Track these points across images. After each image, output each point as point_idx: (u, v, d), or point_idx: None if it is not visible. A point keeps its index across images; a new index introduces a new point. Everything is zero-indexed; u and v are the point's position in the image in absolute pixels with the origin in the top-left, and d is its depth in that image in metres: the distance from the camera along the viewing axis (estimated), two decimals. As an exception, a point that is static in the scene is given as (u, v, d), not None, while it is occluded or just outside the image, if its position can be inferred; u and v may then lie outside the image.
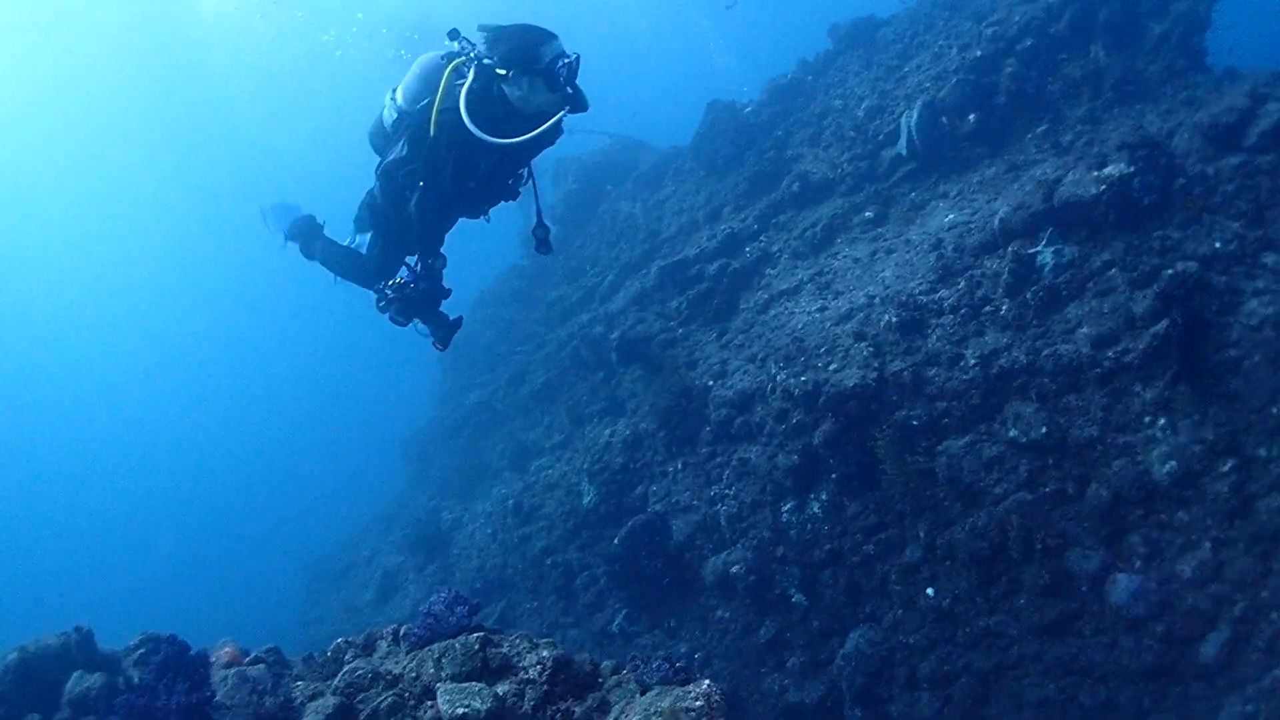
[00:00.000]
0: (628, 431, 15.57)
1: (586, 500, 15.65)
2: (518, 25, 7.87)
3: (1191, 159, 11.38)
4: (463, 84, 7.81)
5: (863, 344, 12.02)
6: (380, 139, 8.99)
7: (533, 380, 20.90)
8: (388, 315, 8.70)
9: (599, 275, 20.72)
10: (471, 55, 8.02)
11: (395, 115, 8.68)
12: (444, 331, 8.86)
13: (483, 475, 21.22)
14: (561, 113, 7.72)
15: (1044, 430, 10.11)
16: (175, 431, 62.26)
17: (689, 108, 21.68)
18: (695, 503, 13.77)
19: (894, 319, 11.86)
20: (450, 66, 8.04)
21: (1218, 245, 10.40)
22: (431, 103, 7.99)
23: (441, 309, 8.85)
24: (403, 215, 8.47)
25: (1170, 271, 10.09)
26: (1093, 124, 13.92)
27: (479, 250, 22.11)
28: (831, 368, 12.07)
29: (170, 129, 60.10)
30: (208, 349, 67.93)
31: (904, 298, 12.08)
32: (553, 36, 7.78)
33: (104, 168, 64.65)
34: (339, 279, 9.77)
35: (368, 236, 9.46)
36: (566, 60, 7.64)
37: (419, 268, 8.61)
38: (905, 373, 11.36)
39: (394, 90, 8.74)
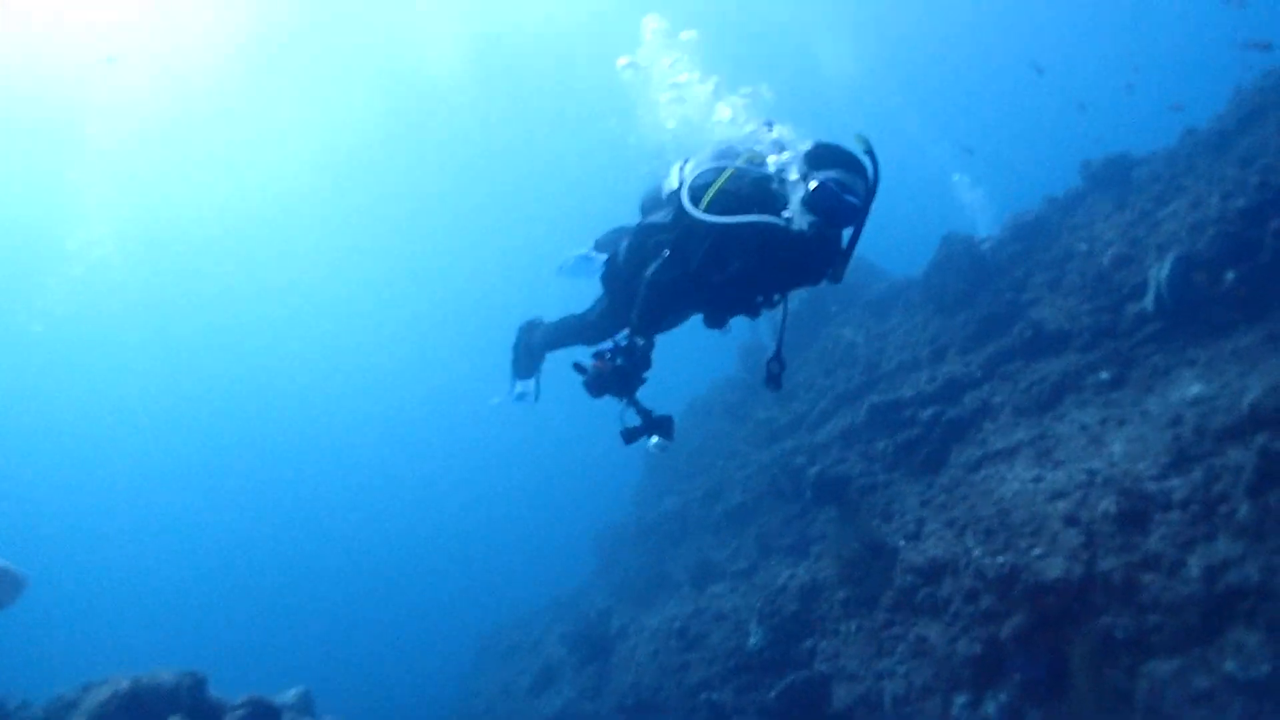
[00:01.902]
0: (807, 577, 14.08)
1: (752, 641, 14.29)
2: (841, 146, 6.86)
3: None
4: (743, 173, 7.10)
5: (1074, 530, 10.19)
6: (651, 203, 8.26)
7: (728, 499, 19.58)
8: (582, 380, 7.69)
9: (811, 402, 19.25)
10: (775, 151, 7.22)
11: (676, 186, 7.76)
12: (646, 425, 7.80)
13: (662, 585, 20.10)
14: (772, 219, 6.75)
15: (1267, 669, 8.08)
16: (388, 487, 62.96)
17: (927, 235, 20.02)
18: (862, 672, 12.19)
19: (1113, 508, 9.98)
20: (750, 153, 7.34)
21: None
22: (712, 181, 7.17)
23: (649, 405, 7.81)
24: (635, 279, 7.70)
25: None
26: None
27: (699, 357, 21.01)
28: (1035, 552, 10.28)
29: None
30: (434, 409, 68.85)
31: (1128, 483, 10.20)
32: (854, 168, 6.71)
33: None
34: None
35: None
36: (828, 186, 6.55)
37: (624, 342, 7.63)
38: (1116, 573, 9.46)
39: (685, 161, 7.86)
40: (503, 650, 25.28)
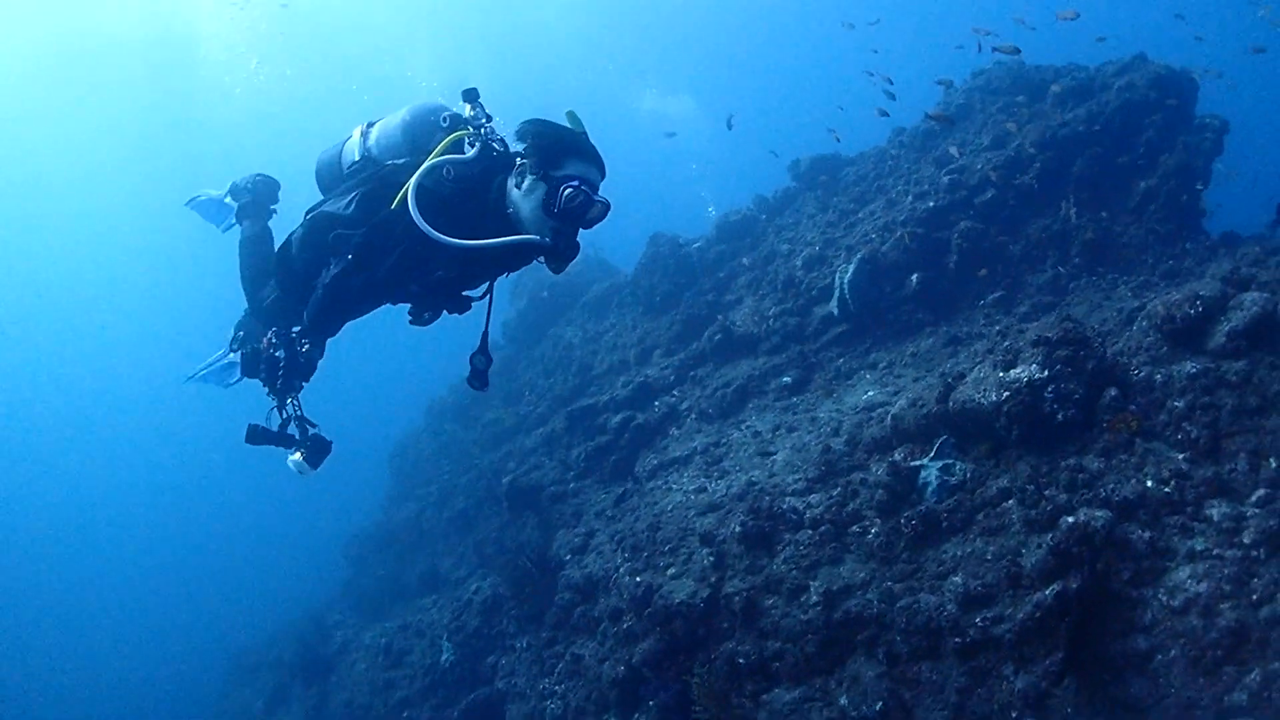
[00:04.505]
0: (489, 593, 12.94)
1: (444, 658, 13.24)
2: (576, 131, 5.37)
3: (1139, 359, 8.31)
4: (448, 160, 5.37)
5: (706, 550, 9.09)
6: (330, 175, 6.47)
7: (453, 505, 18.04)
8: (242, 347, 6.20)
9: (532, 404, 17.92)
10: (483, 128, 5.68)
11: (360, 156, 6.18)
12: (283, 435, 6.03)
13: (400, 595, 18.45)
14: (521, 238, 5.20)
15: (879, 706, 7.06)
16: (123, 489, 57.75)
17: (669, 228, 18.70)
18: (528, 691, 11.15)
19: (737, 527, 8.84)
20: (451, 138, 5.63)
21: (1149, 484, 7.26)
22: (407, 166, 5.53)
23: (315, 428, 6.14)
24: (309, 280, 5.93)
25: (1070, 520, 6.99)
26: (1055, 294, 11.30)
27: (439, 358, 19.43)
28: (670, 572, 9.20)
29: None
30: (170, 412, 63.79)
31: (765, 500, 9.09)
32: (594, 162, 5.31)
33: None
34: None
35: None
36: (581, 190, 5.10)
37: (287, 336, 5.98)
38: (738, 597, 8.34)
39: (369, 125, 6.26)
40: (248, 668, 23.25)
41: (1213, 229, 11.59)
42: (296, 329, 5.89)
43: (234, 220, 7.45)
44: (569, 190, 4.98)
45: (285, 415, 6.02)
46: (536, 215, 5.07)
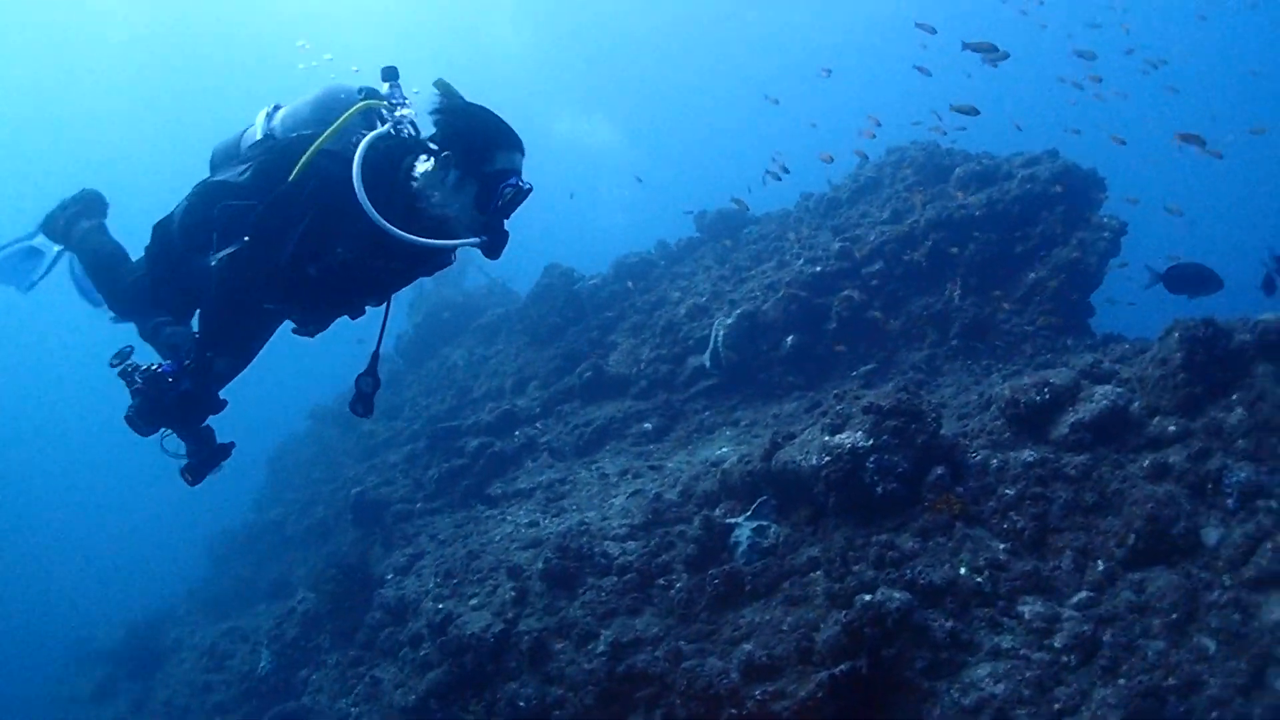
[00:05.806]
0: (312, 604, 12.43)
1: (261, 666, 12.65)
2: (489, 111, 4.97)
3: (979, 442, 7.93)
4: (366, 135, 4.92)
5: (511, 584, 8.65)
6: (223, 159, 5.81)
7: (314, 513, 17.43)
8: (127, 412, 5.07)
9: (408, 421, 17.43)
10: (400, 109, 5.28)
11: (263, 135, 5.59)
12: (202, 458, 5.34)
13: (251, 599, 17.70)
14: (466, 242, 4.82)
15: (645, 772, 6.57)
16: None
17: (589, 258, 18.43)
18: (328, 710, 10.57)
19: (541, 564, 8.41)
20: (361, 105, 5.20)
21: (962, 572, 6.81)
22: (311, 137, 4.98)
23: (209, 427, 5.40)
24: (193, 266, 5.29)
25: (866, 599, 6.55)
26: (929, 374, 10.97)
27: (324, 359, 18.91)
28: (472, 603, 8.77)
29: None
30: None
31: (580, 540, 8.69)
32: (518, 148, 4.92)
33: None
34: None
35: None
36: (518, 185, 4.77)
37: (190, 358, 5.09)
38: (529, 636, 7.87)
39: (275, 107, 5.70)
40: (87, 655, 22.10)
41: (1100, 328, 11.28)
42: (191, 358, 5.20)
43: (53, 253, 6.65)
44: (507, 188, 4.62)
45: (202, 439, 5.36)
46: (468, 213, 4.69)
